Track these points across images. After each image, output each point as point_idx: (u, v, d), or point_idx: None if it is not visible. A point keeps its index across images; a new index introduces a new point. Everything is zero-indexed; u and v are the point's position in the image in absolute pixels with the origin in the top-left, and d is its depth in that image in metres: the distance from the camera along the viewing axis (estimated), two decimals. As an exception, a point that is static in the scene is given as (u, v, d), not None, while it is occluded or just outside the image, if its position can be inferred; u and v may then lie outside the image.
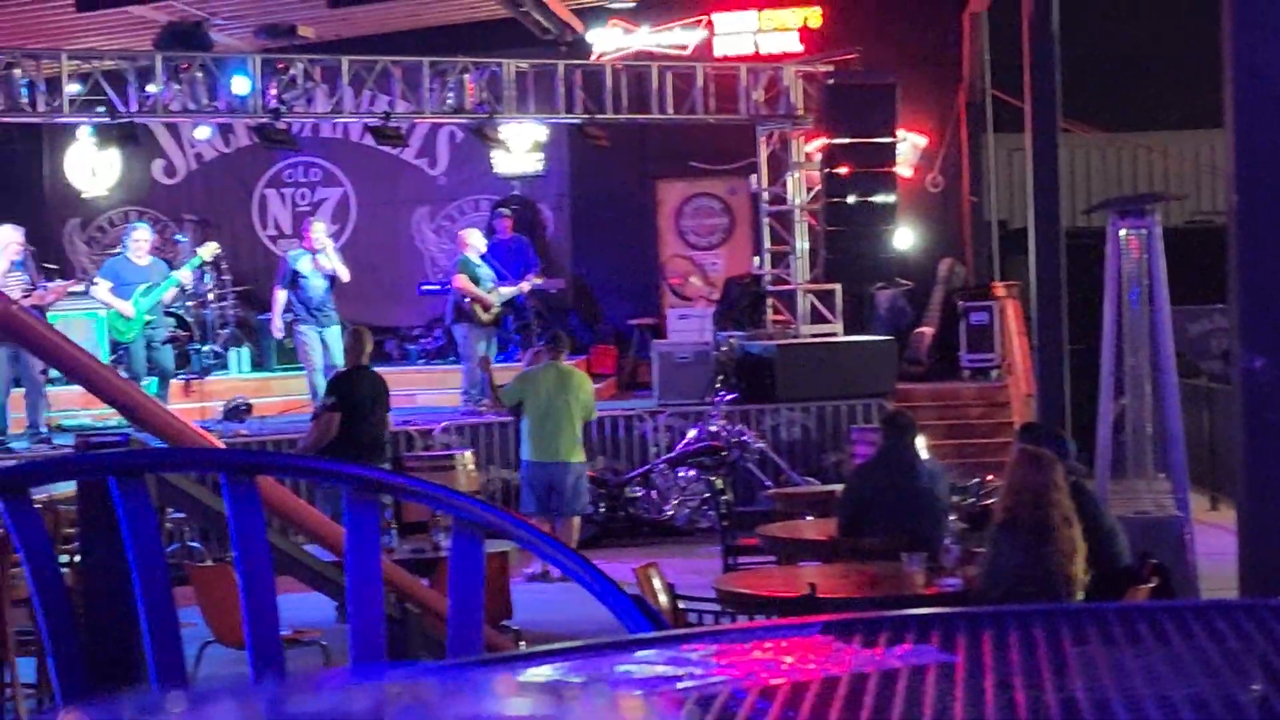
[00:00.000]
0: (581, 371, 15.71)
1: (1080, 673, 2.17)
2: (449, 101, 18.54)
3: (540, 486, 14.86)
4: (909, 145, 21.80)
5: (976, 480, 14.46)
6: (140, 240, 17.89)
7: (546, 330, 18.34)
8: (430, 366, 21.29)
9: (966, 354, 20.49)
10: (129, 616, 3.36)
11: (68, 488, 10.95)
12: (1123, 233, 12.64)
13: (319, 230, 18.33)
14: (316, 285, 17.91)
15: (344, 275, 18.05)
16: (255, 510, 3.16)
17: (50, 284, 17.42)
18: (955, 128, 22.36)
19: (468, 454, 16.19)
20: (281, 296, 18.02)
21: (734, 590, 9.85)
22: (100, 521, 4.10)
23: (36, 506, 10.16)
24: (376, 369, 14.87)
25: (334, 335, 17.78)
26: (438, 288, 20.95)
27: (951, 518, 10.93)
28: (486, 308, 18.55)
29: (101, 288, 17.69)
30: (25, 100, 16.83)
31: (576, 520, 15.17)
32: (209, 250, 19.19)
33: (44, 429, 16.63)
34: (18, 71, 16.67)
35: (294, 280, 17.89)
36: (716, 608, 9.93)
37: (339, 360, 16.93)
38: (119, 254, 18.29)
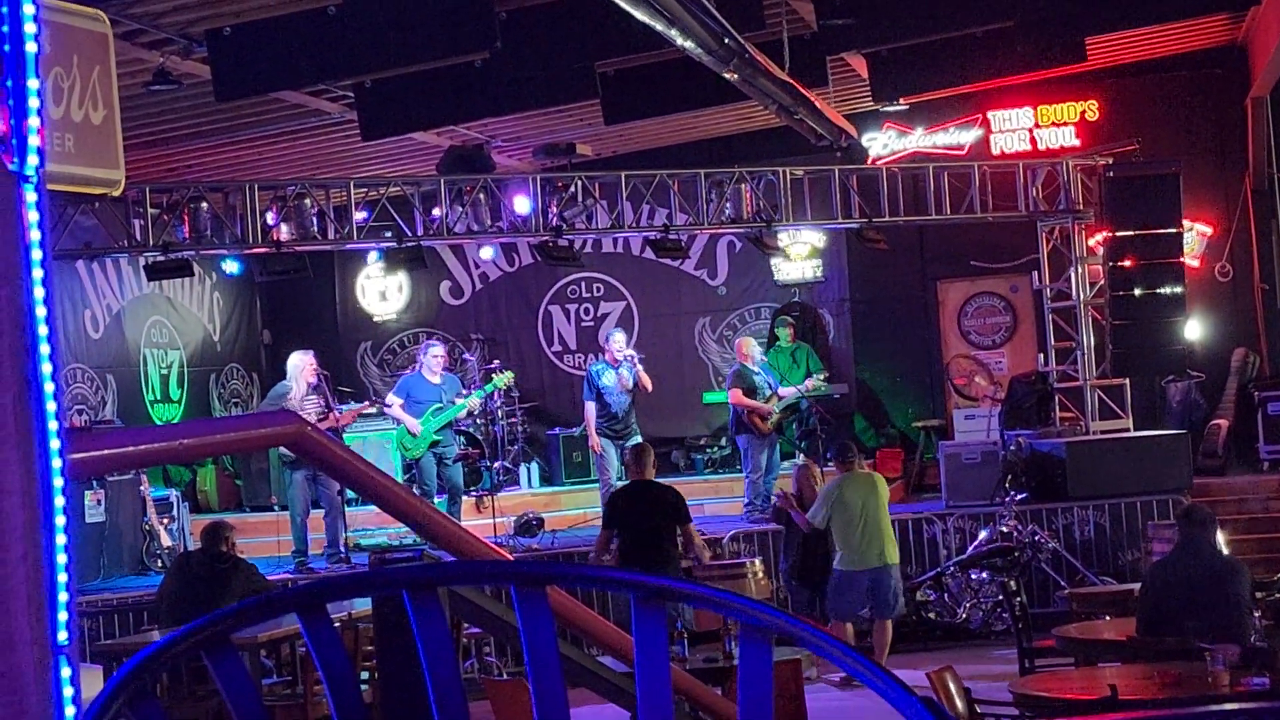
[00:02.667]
0: (875, 475, 15.72)
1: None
2: (727, 211, 18.67)
3: (857, 593, 14.90)
4: (1194, 235, 21.39)
5: (1280, 575, 14.02)
6: (436, 358, 18.33)
7: (831, 436, 18.30)
8: (717, 476, 21.34)
9: (1265, 445, 19.91)
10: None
11: (368, 606, 11.17)
12: None
13: (619, 342, 18.59)
14: (619, 399, 18.19)
15: (647, 385, 18.31)
16: (545, 620, 3.19)
17: (345, 407, 17.89)
18: (1242, 215, 21.87)
19: (757, 562, 16.17)
20: (590, 409, 18.34)
21: (1032, 693, 9.68)
22: (395, 637, 4.17)
23: (335, 625, 10.36)
24: (665, 480, 14.97)
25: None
26: (720, 397, 21.00)
27: (1255, 614, 10.62)
28: (764, 417, 18.58)
29: (394, 404, 18.14)
30: (316, 229, 17.33)
31: (889, 624, 15.15)
32: (505, 380, 19.57)
33: (343, 549, 16.99)
34: (308, 201, 17.18)
35: (598, 394, 18.20)
36: (1015, 712, 9.75)
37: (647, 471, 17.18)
38: (413, 372, 18.73)
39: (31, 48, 3.74)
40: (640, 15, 11.68)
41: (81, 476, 13.58)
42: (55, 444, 3.72)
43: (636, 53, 15.85)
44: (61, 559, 3.69)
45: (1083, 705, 8.99)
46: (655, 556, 13.96)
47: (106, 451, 6.48)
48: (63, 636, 3.70)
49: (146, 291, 20.67)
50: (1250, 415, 20.35)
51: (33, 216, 3.71)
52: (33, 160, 3.71)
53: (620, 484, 16.93)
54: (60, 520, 3.71)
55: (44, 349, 3.72)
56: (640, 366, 18.46)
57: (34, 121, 3.72)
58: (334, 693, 3.33)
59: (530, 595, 3.20)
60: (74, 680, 3.76)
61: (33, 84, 3.72)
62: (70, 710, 3.70)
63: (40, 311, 3.72)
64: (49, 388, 3.74)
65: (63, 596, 3.71)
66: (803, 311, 22.77)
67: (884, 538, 15.05)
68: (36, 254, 3.70)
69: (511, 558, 13.26)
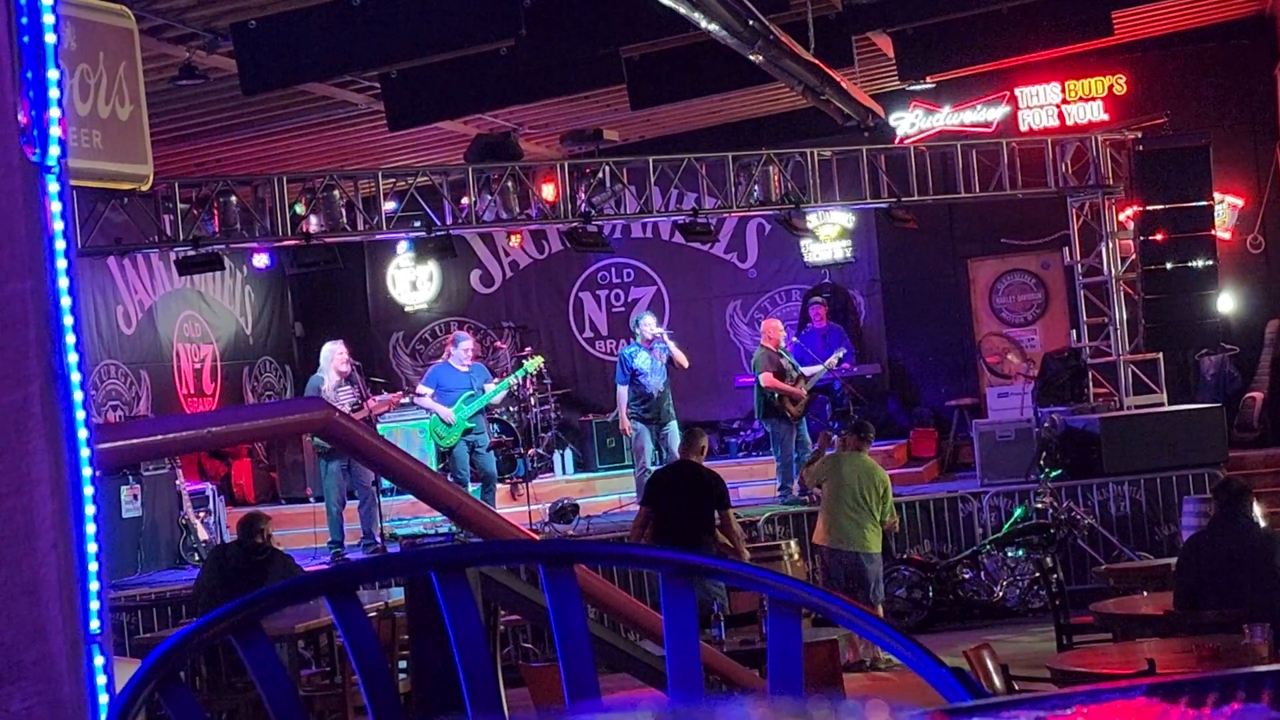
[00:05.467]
0: (883, 470, 15.47)
1: None
2: (755, 194, 18.64)
3: (837, 573, 14.73)
4: (1225, 207, 21.30)
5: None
6: (465, 350, 18.33)
7: (862, 417, 18.23)
8: (751, 459, 21.31)
9: (1301, 417, 19.88)
10: (458, 712, 3.41)
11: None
12: None
13: (649, 323, 18.54)
14: (654, 381, 18.14)
15: (682, 361, 18.25)
16: (574, 599, 3.19)
17: (378, 397, 17.93)
18: (1274, 185, 21.77)
19: (792, 543, 16.17)
20: (623, 393, 18.31)
21: (1069, 669, 9.66)
22: (428, 620, 4.18)
23: (372, 614, 10.35)
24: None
25: (671, 430, 17.99)
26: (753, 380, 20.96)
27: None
28: (795, 401, 18.47)
29: (425, 394, 18.17)
30: (345, 220, 17.36)
31: (879, 611, 15.02)
32: (534, 364, 19.61)
33: (378, 538, 17.02)
34: (337, 193, 17.20)
35: (632, 377, 18.16)
36: (1052, 688, 9.73)
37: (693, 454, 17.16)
38: (442, 362, 18.76)
39: (51, 39, 3.75)
40: (664, -2, 11.67)
41: (111, 467, 13.62)
42: (83, 434, 3.74)
43: (661, 37, 15.82)
44: (92, 548, 3.70)
45: (1120, 680, 8.96)
46: (688, 538, 13.93)
47: (135, 440, 6.51)
48: (95, 625, 3.72)
49: (178, 286, 20.73)
50: (1285, 387, 20.28)
51: (55, 207, 3.73)
52: (54, 151, 3.73)
53: (656, 468, 16.93)
54: (90, 509, 3.73)
55: (70, 340, 3.73)
56: (673, 344, 18.41)
57: (54, 112, 3.74)
58: (364, 674, 3.33)
59: (558, 574, 3.20)
60: (107, 669, 3.77)
61: (53, 75, 3.73)
62: (104, 699, 3.72)
63: (65, 302, 3.74)
64: (76, 378, 3.75)
65: (94, 585, 3.73)
66: (833, 292, 22.74)
67: (869, 525, 14.73)
68: (60, 244, 3.71)
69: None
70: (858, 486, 14.70)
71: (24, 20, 3.70)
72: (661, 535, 14.05)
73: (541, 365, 20.17)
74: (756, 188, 18.61)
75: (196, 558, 17.26)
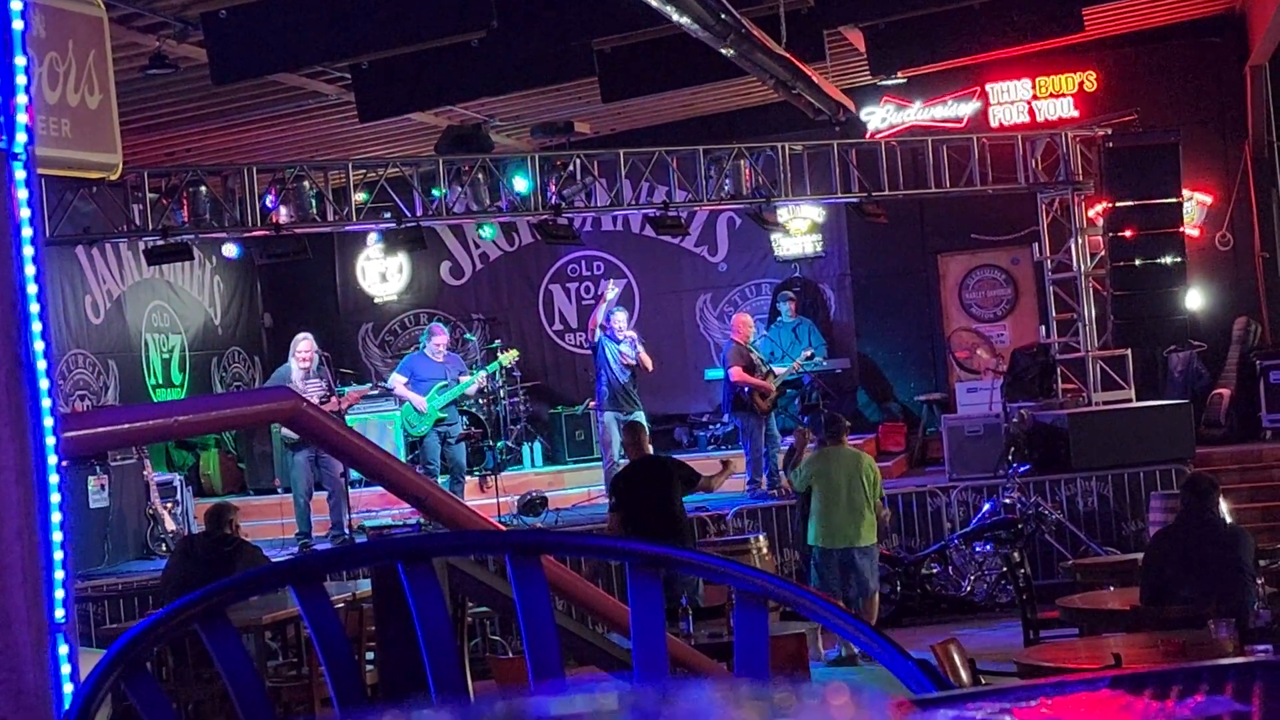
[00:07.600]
0: (869, 457, 15.57)
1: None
2: (726, 188, 18.61)
3: (835, 571, 14.73)
4: (1194, 204, 21.37)
5: (1284, 542, 14.01)
6: (440, 342, 18.36)
7: (832, 411, 18.24)
8: (720, 452, 21.28)
9: (1267, 414, 19.91)
10: (423, 698, 3.41)
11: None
12: None
13: (620, 321, 18.56)
14: (623, 371, 18.17)
15: (647, 364, 18.28)
16: (540, 589, 3.19)
17: (346, 389, 17.90)
18: (1242, 183, 21.83)
19: (761, 538, 16.17)
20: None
21: (1036, 664, 9.68)
22: (395, 610, 4.17)
23: (340, 606, 10.32)
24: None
25: (638, 420, 18.01)
26: (722, 374, 20.94)
27: (1259, 582, 10.62)
28: (764, 395, 18.48)
29: (397, 381, 18.17)
30: (315, 211, 17.29)
31: (875, 599, 15.06)
32: (509, 358, 19.60)
33: (346, 530, 16.98)
34: (307, 183, 17.14)
35: (603, 364, 18.18)
36: (1019, 683, 9.75)
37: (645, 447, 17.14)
38: (417, 350, 18.76)
39: (18, 26, 3.74)
40: (635, -9, 11.66)
41: (78, 455, 13.55)
42: (49, 422, 3.72)
43: (633, 30, 15.81)
44: (57, 536, 3.69)
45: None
46: (664, 527, 13.88)
47: (101, 429, 6.48)
48: (59, 614, 3.70)
49: (147, 276, 20.66)
50: (1252, 384, 20.34)
51: (22, 195, 3.71)
52: (21, 138, 3.71)
53: (623, 462, 16.91)
54: (55, 498, 3.71)
55: (36, 328, 3.71)
56: (641, 347, 18.42)
57: (22, 100, 3.72)
58: (329, 662, 3.33)
59: (524, 564, 3.20)
60: (72, 658, 3.76)
61: (20, 62, 3.71)
62: (68, 688, 3.71)
63: (31, 290, 3.72)
64: (42, 366, 3.73)
65: (59, 574, 3.71)
66: (804, 287, 22.75)
67: (863, 518, 14.79)
68: (26, 231, 3.69)
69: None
70: (849, 481, 14.72)
71: (-9, 6, 3.68)
72: (638, 532, 14.00)
73: (516, 358, 20.17)
74: (727, 181, 18.59)
75: (164, 548, 17.19)
